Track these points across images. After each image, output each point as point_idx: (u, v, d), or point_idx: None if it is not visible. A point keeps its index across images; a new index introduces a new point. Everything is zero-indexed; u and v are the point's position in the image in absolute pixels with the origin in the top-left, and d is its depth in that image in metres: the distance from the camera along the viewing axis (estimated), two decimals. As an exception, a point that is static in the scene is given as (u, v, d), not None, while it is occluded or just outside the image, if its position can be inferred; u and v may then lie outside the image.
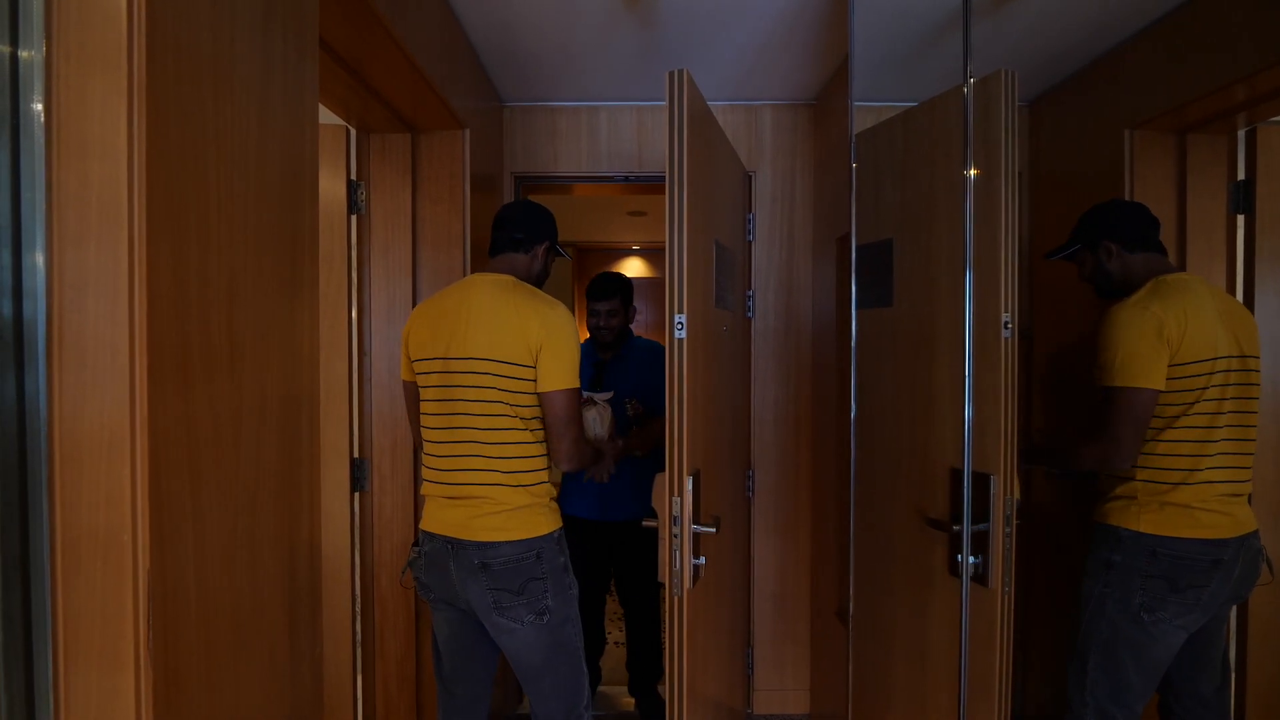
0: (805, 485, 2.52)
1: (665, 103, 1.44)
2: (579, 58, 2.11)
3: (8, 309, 0.65)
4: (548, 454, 1.52)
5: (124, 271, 0.66)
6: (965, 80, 1.44)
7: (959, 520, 1.50)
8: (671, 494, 1.48)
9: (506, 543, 1.44)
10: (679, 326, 1.47)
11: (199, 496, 0.75)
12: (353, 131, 1.89)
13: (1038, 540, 2.31)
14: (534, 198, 2.76)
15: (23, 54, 0.66)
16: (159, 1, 0.69)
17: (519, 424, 1.46)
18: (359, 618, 1.93)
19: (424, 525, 1.53)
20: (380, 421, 1.94)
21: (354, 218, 1.89)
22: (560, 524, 1.55)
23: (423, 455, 1.56)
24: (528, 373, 1.46)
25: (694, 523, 1.52)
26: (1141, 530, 1.46)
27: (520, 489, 1.47)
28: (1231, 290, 1.83)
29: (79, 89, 0.66)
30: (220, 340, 0.79)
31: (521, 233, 1.59)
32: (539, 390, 1.47)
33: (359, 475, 1.91)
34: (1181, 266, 1.82)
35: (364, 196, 1.90)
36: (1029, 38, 1.92)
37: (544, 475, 1.51)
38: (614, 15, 1.84)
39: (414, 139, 1.93)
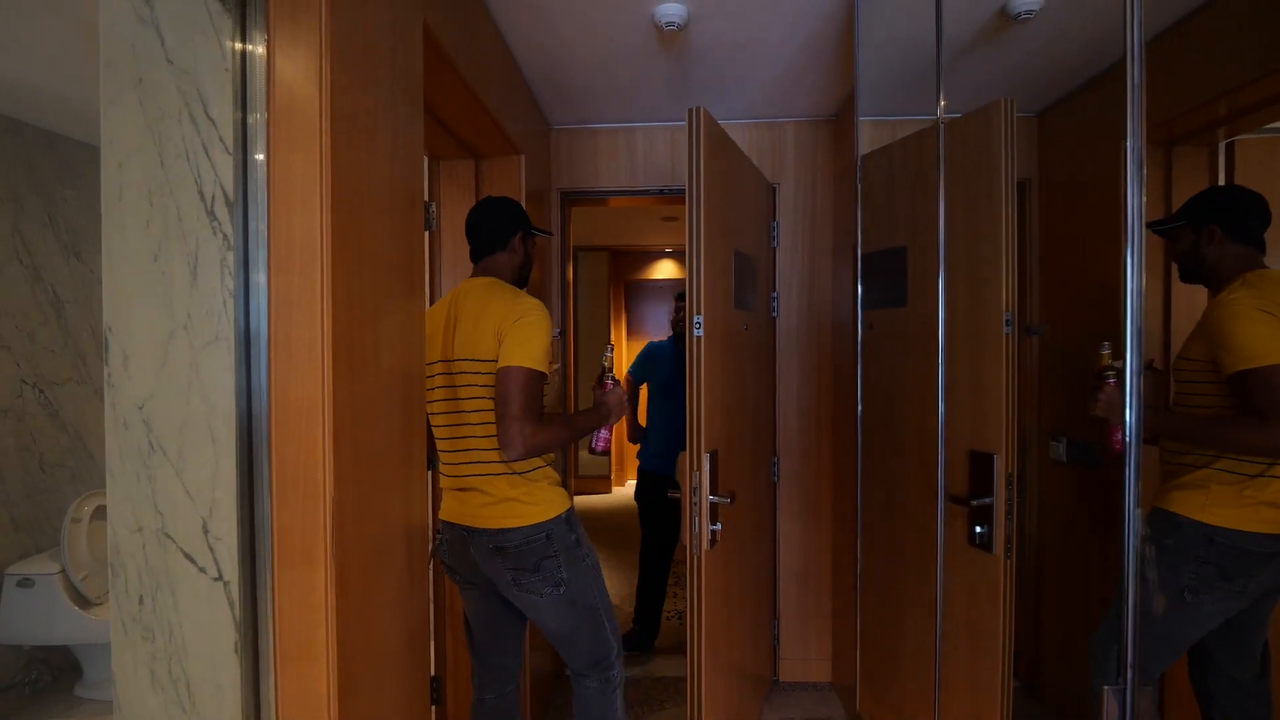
0: (827, 472, 2.73)
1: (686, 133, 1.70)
2: (619, 87, 2.37)
3: (242, 318, 0.93)
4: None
5: (317, 293, 0.94)
6: (938, 114, 1.67)
7: (976, 496, 1.70)
8: (692, 469, 1.74)
9: (516, 529, 1.52)
10: (697, 326, 1.73)
11: (358, 453, 1.03)
12: (425, 159, 2.18)
13: (1050, 520, 2.49)
14: (577, 209, 3.04)
15: (250, 118, 0.94)
16: (337, 88, 0.97)
17: None
18: (432, 579, 2.23)
19: (442, 515, 1.64)
20: (449, 410, 2.23)
21: (427, 234, 2.19)
22: (569, 505, 1.62)
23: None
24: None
25: (711, 494, 1.77)
26: (1204, 520, 1.46)
27: (517, 476, 1.54)
28: None
29: (286, 163, 0.94)
30: (369, 341, 1.07)
31: (493, 233, 1.67)
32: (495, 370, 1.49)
33: (430, 454, 2.21)
34: (1167, 273, 1.99)
35: (435, 215, 2.19)
36: (1034, 56, 2.10)
37: (539, 461, 1.57)
38: (650, 52, 2.10)
39: (477, 164, 2.21)
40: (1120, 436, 1.52)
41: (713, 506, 1.79)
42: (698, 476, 1.74)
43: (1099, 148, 2.21)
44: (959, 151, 1.77)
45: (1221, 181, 1.94)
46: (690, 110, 1.72)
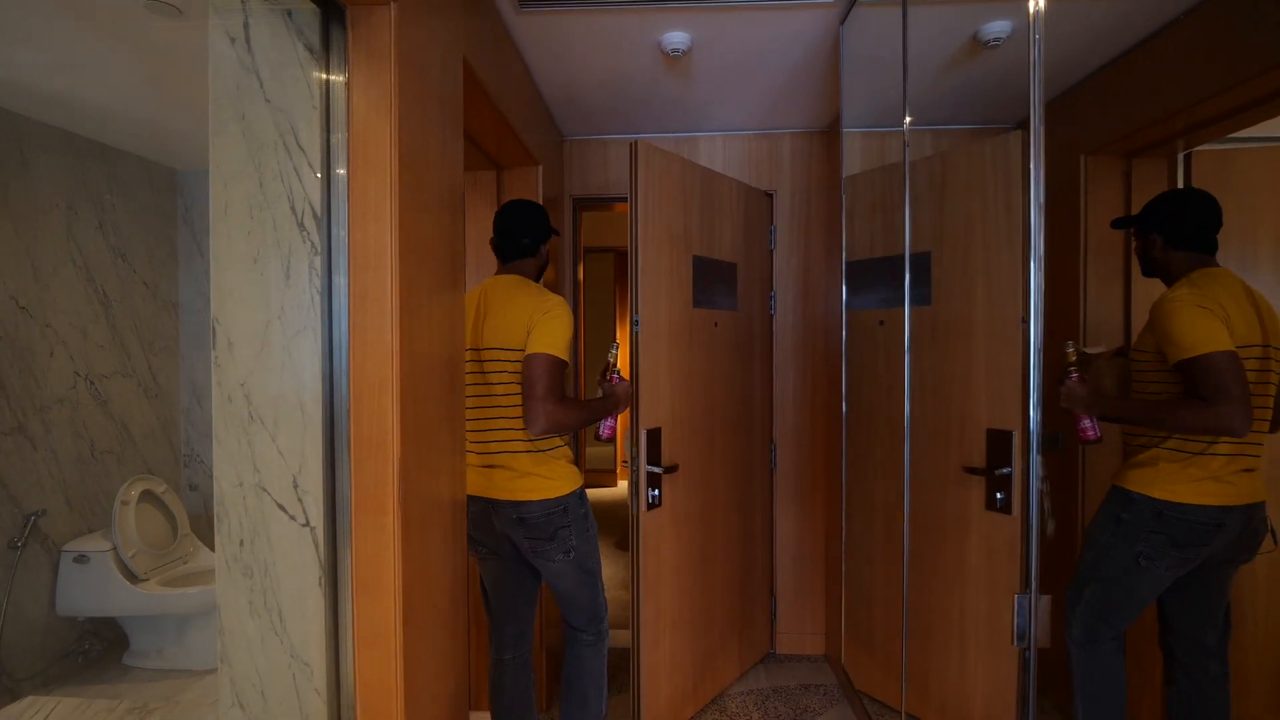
0: (821, 460, 2.93)
1: (629, 161, 1.97)
2: (628, 104, 2.57)
3: (326, 311, 1.13)
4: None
5: (387, 289, 1.14)
6: (904, 130, 1.88)
7: (995, 467, 1.94)
8: (634, 442, 2.02)
9: (536, 501, 1.71)
10: (636, 324, 2.03)
11: (418, 421, 1.23)
12: (451, 169, 2.38)
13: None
14: (586, 214, 3.24)
15: (333, 138, 1.14)
16: (402, 116, 1.17)
17: None
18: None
19: (468, 490, 1.76)
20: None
21: (452, 237, 2.39)
22: (581, 481, 1.81)
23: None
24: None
25: (649, 464, 2.09)
26: (1153, 495, 1.61)
27: (538, 453, 1.73)
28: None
29: (363, 181, 1.14)
30: (425, 324, 1.27)
31: (527, 238, 1.83)
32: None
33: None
34: (1126, 273, 2.18)
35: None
36: (1007, 76, 2.30)
37: (558, 441, 1.77)
38: (657, 74, 2.29)
39: (499, 174, 2.41)
40: (1084, 425, 1.72)
41: (654, 474, 2.11)
42: (638, 448, 2.05)
43: (1059, 161, 2.41)
44: (980, 171, 2.00)
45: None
46: (631, 144, 2.03)
